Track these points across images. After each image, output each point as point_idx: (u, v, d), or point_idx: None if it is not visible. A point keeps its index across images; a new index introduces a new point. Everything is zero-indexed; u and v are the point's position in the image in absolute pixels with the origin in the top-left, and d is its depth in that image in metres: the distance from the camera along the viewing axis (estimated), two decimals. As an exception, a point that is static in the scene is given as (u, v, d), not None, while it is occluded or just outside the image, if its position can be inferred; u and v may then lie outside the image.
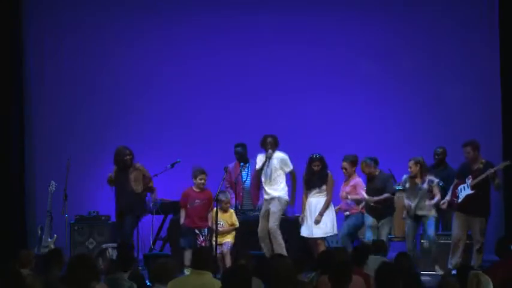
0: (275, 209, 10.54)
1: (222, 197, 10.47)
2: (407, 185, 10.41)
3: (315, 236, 10.45)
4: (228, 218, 10.59)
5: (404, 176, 10.48)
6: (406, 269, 7.06)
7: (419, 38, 12.80)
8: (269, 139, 10.66)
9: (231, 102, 12.83)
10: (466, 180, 10.36)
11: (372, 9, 12.81)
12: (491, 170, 10.17)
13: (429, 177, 10.38)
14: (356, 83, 12.81)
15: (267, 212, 10.60)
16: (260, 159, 10.73)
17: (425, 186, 10.32)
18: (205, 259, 6.61)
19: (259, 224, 10.63)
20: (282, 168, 10.63)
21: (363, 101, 12.78)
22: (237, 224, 10.64)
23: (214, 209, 10.26)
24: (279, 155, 10.67)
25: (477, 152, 10.34)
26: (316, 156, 10.58)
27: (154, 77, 12.95)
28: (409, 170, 10.37)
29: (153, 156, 11.86)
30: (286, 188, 10.65)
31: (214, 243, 10.16)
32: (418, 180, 10.35)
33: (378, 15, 12.81)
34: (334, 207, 10.60)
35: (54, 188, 11.49)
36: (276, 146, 10.67)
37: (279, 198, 10.56)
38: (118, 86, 12.98)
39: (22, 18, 12.80)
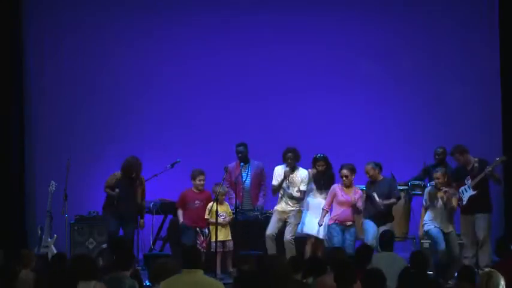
0: (294, 221, 10.58)
1: (220, 188, 10.49)
2: (436, 202, 10.16)
3: (317, 235, 10.44)
4: (226, 209, 10.66)
5: (429, 190, 10.25)
6: (421, 269, 7.11)
7: (419, 38, 12.80)
8: (289, 154, 10.62)
9: (231, 102, 12.83)
10: (466, 181, 10.36)
11: (372, 9, 12.81)
12: (489, 168, 10.20)
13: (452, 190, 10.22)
14: (356, 83, 12.81)
15: (282, 220, 10.60)
16: (278, 172, 10.70)
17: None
18: (196, 258, 6.61)
19: (272, 224, 10.61)
20: (301, 185, 10.62)
21: (363, 101, 12.77)
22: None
23: (212, 204, 10.33)
24: (302, 173, 10.65)
25: (466, 154, 10.43)
26: (319, 156, 10.58)
27: (154, 77, 12.95)
28: (437, 181, 10.15)
29: (153, 156, 11.86)
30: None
31: (214, 240, 10.26)
32: (441, 194, 10.15)
33: (378, 15, 12.81)
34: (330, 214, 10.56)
35: (54, 188, 11.49)
36: (296, 161, 10.65)
37: (299, 211, 10.62)
38: (118, 86, 12.98)
39: (22, 18, 12.79)
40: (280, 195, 10.73)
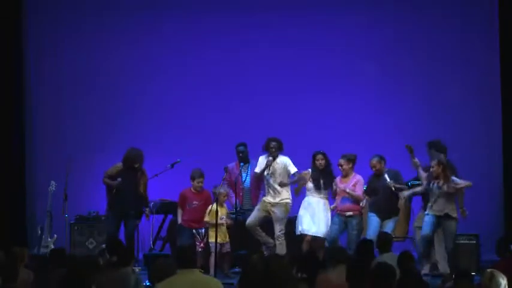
0: (281, 215, 10.63)
1: (221, 189, 10.48)
2: (431, 185, 10.22)
3: (314, 234, 10.45)
4: (225, 212, 10.66)
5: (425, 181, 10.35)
6: (408, 268, 7.10)
7: (419, 38, 12.79)
8: (273, 143, 10.71)
9: (231, 103, 12.83)
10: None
11: (371, 9, 12.80)
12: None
13: (454, 179, 10.19)
14: (356, 83, 12.80)
15: (265, 212, 10.63)
16: (262, 161, 10.76)
17: (445, 187, 10.15)
18: (191, 257, 6.59)
19: (252, 214, 10.70)
20: (287, 172, 10.64)
21: (363, 102, 12.76)
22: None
23: (213, 205, 10.31)
24: (282, 160, 10.72)
25: (431, 151, 10.64)
26: (318, 150, 10.63)
27: (154, 77, 12.95)
28: (431, 169, 10.24)
29: (153, 156, 11.86)
30: (290, 195, 10.73)
31: (212, 241, 10.28)
32: (440, 183, 10.16)
33: (378, 15, 12.80)
34: (330, 205, 10.62)
35: (54, 188, 11.51)
36: (279, 150, 10.75)
37: (285, 204, 10.65)
38: (118, 86, 12.98)
39: (22, 18, 12.80)
40: (266, 188, 10.79)
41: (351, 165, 10.56)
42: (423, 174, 10.40)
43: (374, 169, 10.58)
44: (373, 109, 12.76)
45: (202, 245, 10.55)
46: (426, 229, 10.15)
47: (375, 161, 10.56)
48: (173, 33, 12.97)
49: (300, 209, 10.68)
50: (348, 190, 10.42)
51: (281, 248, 10.50)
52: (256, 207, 10.78)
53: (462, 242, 10.76)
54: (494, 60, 12.38)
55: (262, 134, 11.62)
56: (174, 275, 6.42)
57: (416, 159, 10.52)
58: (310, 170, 10.60)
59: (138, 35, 12.95)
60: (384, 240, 8.82)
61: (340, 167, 10.61)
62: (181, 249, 6.91)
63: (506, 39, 12.23)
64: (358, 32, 12.81)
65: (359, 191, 10.51)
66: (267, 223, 10.79)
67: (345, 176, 10.61)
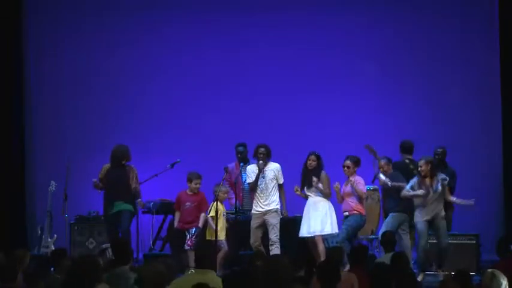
0: (275, 221, 10.51)
1: (222, 187, 10.48)
2: (419, 191, 10.22)
3: (312, 234, 10.43)
4: (224, 210, 10.64)
5: (415, 180, 10.29)
6: (402, 268, 7.10)
7: (419, 38, 12.80)
8: (261, 149, 10.64)
9: (231, 103, 12.83)
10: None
11: (372, 9, 12.81)
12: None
13: (440, 176, 10.25)
14: (356, 83, 12.80)
15: (261, 224, 10.54)
16: (252, 170, 10.73)
17: (439, 187, 10.17)
18: (208, 258, 6.60)
19: (253, 236, 10.53)
20: (277, 179, 10.61)
21: (363, 102, 12.77)
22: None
23: (214, 203, 10.30)
24: (274, 166, 10.68)
25: (401, 151, 10.94)
26: (312, 151, 10.58)
27: (154, 77, 12.96)
28: (419, 169, 10.27)
29: (153, 156, 11.86)
30: (277, 198, 10.64)
31: (214, 238, 10.23)
32: (428, 181, 10.25)
33: (378, 15, 12.81)
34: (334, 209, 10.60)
35: (54, 188, 11.51)
36: (268, 157, 10.67)
37: (276, 210, 10.56)
38: (118, 86, 12.99)
39: (22, 18, 12.81)
40: (254, 198, 10.68)
41: (356, 168, 10.51)
42: (382, 178, 10.44)
43: (382, 170, 10.59)
44: (373, 109, 12.76)
45: (189, 242, 10.53)
46: (424, 240, 10.17)
47: (382, 162, 10.59)
48: (173, 33, 12.97)
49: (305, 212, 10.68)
50: (351, 178, 10.38)
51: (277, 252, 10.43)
52: (253, 226, 10.57)
53: (462, 242, 10.75)
54: (494, 60, 12.39)
55: (262, 134, 11.64)
56: (188, 274, 6.42)
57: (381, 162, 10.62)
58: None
59: (138, 35, 12.95)
60: (387, 240, 8.86)
61: (346, 169, 10.46)
62: (198, 249, 6.90)
63: (506, 39, 12.24)
64: (358, 32, 12.81)
65: (361, 187, 10.49)
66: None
67: (349, 178, 10.53)
